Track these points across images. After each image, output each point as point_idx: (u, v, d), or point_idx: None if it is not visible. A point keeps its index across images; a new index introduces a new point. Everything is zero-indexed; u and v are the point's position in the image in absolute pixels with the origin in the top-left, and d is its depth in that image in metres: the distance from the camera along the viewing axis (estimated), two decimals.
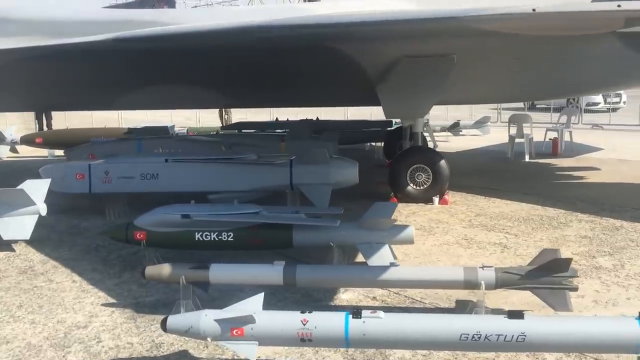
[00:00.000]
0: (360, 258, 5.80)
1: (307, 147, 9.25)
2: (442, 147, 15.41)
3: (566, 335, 3.57)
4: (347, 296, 5.31)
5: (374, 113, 19.99)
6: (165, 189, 8.27)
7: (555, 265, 4.48)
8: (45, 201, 7.09)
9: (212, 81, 10.46)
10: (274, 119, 17.76)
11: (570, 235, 7.05)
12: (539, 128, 15.67)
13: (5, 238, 6.83)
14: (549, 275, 4.49)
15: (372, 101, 10.74)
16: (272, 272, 4.81)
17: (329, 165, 8.10)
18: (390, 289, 5.31)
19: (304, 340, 3.73)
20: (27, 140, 14.33)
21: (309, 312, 3.79)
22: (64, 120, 20.10)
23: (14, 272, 6.16)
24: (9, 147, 14.97)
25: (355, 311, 3.73)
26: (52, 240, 7.36)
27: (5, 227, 6.78)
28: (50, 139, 14.42)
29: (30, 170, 10.98)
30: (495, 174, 11.67)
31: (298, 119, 15.68)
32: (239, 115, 20.70)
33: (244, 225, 5.82)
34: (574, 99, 23.99)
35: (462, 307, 4.90)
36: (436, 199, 8.98)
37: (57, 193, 7.96)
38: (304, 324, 3.71)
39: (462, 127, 17.30)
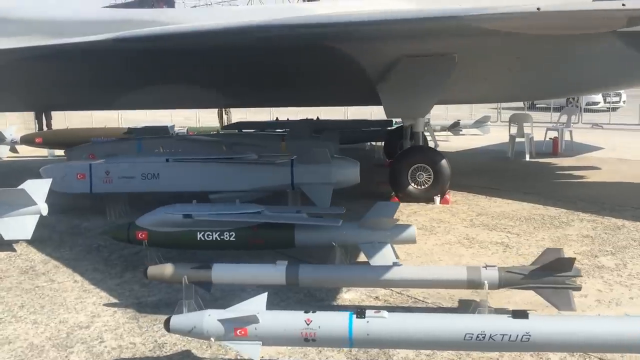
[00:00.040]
0: (362, 258, 5.80)
1: (308, 147, 9.26)
2: (442, 146, 15.41)
3: (571, 335, 3.56)
4: (349, 296, 5.30)
5: (373, 112, 20.04)
6: (166, 188, 8.26)
7: (559, 264, 4.48)
8: (46, 201, 7.07)
9: (212, 81, 10.46)
10: (274, 118, 17.77)
11: (572, 235, 7.04)
12: (539, 127, 15.67)
13: (6, 238, 6.81)
14: (552, 275, 4.49)
15: (372, 101, 10.75)
16: (275, 272, 4.80)
17: (330, 165, 8.09)
18: (393, 289, 5.30)
19: (308, 340, 3.72)
20: (27, 140, 14.32)
21: (312, 312, 3.78)
22: (64, 120, 20.06)
23: (16, 272, 6.15)
24: (8, 147, 14.94)
25: (359, 311, 3.72)
26: (53, 240, 7.35)
27: (6, 227, 6.77)
28: (50, 139, 14.41)
29: (30, 170, 10.97)
30: (496, 174, 11.67)
31: (298, 118, 15.69)
32: (238, 115, 20.69)
33: (245, 225, 5.81)
34: (573, 99, 23.99)
35: (465, 306, 4.91)
36: (437, 199, 8.98)
37: (57, 193, 7.95)
38: (308, 324, 3.70)
39: (462, 126, 17.28)
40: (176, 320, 3.90)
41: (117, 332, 4.65)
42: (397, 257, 5.60)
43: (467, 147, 15.98)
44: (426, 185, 9.07)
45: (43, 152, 15.53)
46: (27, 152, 15.29)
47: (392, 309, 4.92)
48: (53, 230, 7.71)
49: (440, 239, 7.05)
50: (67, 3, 10.48)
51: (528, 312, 3.63)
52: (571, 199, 8.97)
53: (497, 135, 17.40)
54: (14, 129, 15.41)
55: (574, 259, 4.50)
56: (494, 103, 21.94)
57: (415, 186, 9.09)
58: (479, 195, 9.40)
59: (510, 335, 3.53)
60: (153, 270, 4.91)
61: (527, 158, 13.39)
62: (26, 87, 11.03)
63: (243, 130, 14.13)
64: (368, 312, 3.71)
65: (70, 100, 12.19)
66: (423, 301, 5.16)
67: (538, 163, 13.10)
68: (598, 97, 25.66)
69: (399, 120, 13.65)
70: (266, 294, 4.02)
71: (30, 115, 19.58)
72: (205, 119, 22.96)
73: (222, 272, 4.85)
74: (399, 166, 9.25)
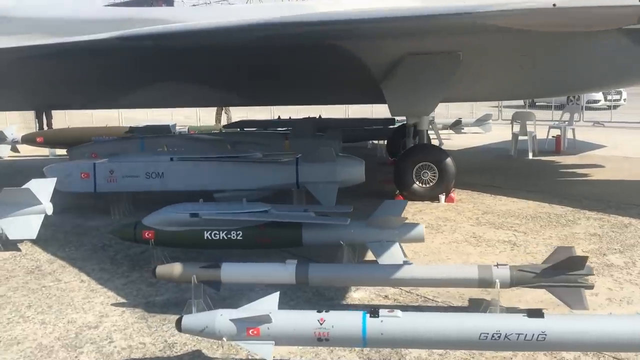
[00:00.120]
0: (369, 256, 5.78)
1: (313, 146, 9.24)
2: (444, 144, 15.34)
3: (586, 334, 3.53)
4: (358, 295, 5.27)
5: (374, 111, 20.03)
6: (171, 187, 8.23)
7: (571, 263, 4.45)
8: (50, 201, 7.04)
9: (215, 79, 10.43)
10: (276, 117, 17.74)
11: (580, 233, 7.02)
12: (540, 125, 15.63)
13: (11, 238, 6.78)
14: (564, 273, 4.46)
15: (375, 99, 10.74)
16: (285, 271, 4.76)
17: (335, 164, 8.07)
18: (403, 288, 5.27)
19: (321, 339, 3.69)
20: (28, 139, 14.27)
21: (325, 312, 3.75)
22: (64, 119, 20.02)
23: (22, 272, 6.11)
24: (10, 147, 14.88)
25: (373, 310, 3.69)
26: (58, 239, 7.31)
27: (11, 226, 6.74)
28: (52, 138, 14.36)
29: (32, 169, 10.93)
30: (499, 172, 11.65)
31: (300, 117, 15.66)
32: (238, 113, 20.66)
33: (253, 224, 5.77)
34: (574, 97, 23.97)
35: (476, 305, 4.89)
36: (442, 197, 8.95)
37: (61, 192, 7.91)
38: (321, 324, 3.68)
39: (463, 124, 17.25)
40: (188, 320, 3.87)
41: (126, 332, 4.62)
42: (405, 255, 5.58)
43: (469, 146, 15.95)
44: (431, 184, 9.04)
45: (44, 151, 15.49)
46: (28, 151, 15.24)
47: (402, 308, 4.84)
48: (57, 230, 7.67)
49: (447, 237, 7.03)
50: (68, 1, 10.44)
51: (543, 311, 3.60)
52: (576, 197, 8.95)
53: (498, 133, 17.39)
54: (14, 129, 15.35)
55: (587, 257, 4.47)
56: (498, 101, 21.90)
57: (420, 184, 9.07)
58: (484, 194, 9.38)
59: (526, 335, 3.50)
60: (162, 269, 4.88)
61: (530, 156, 13.37)
62: (28, 86, 10.99)
63: (245, 129, 14.11)
64: (382, 312, 3.67)
65: (72, 99, 12.16)
66: (433, 300, 5.14)
67: (541, 161, 13.09)
68: (599, 95, 25.67)
69: (399, 118, 13.62)
70: (278, 293, 3.99)
71: (30, 115, 19.54)
72: (206, 118, 22.94)
73: (232, 272, 4.81)
74: (403, 164, 9.23)
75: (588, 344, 3.62)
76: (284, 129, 13.53)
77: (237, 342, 3.78)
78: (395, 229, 5.58)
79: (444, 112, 21.49)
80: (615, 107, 24.04)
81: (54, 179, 7.31)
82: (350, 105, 21.86)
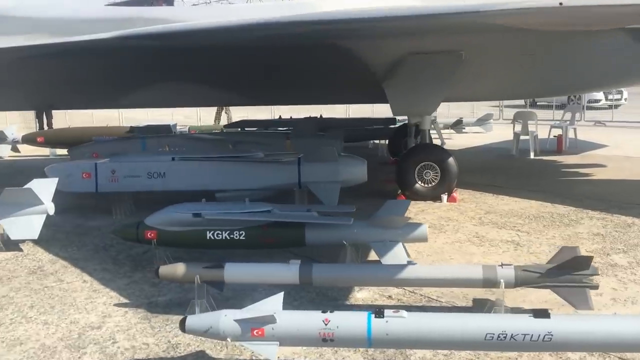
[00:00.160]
0: (372, 256, 5.76)
1: (315, 145, 9.22)
2: (445, 144, 15.34)
3: (593, 334, 3.52)
4: (362, 295, 5.26)
5: (375, 110, 20.01)
6: (173, 187, 8.22)
7: (576, 263, 4.43)
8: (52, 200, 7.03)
9: (217, 79, 10.42)
10: (277, 116, 17.73)
11: (583, 233, 7.00)
12: (542, 125, 15.61)
13: (13, 238, 6.76)
14: (569, 274, 4.44)
15: (376, 99, 10.72)
16: (288, 271, 4.75)
17: (337, 163, 8.05)
18: (406, 288, 5.25)
19: (326, 340, 3.67)
20: (29, 139, 14.25)
21: (330, 312, 3.73)
22: (64, 119, 20.00)
23: (24, 272, 6.10)
24: (10, 147, 14.86)
25: (378, 311, 3.68)
26: (59, 239, 7.29)
27: (13, 226, 6.72)
28: (52, 138, 14.33)
29: (32, 169, 10.90)
30: (501, 171, 11.63)
31: (300, 117, 15.63)
32: (238, 113, 20.62)
33: (255, 224, 5.75)
34: (574, 96, 23.94)
35: (480, 305, 4.88)
36: (444, 197, 8.94)
37: (61, 192, 7.87)
38: (326, 324, 3.66)
39: (464, 124, 17.24)
40: (192, 320, 3.85)
41: (129, 332, 4.60)
42: (408, 255, 5.56)
43: (470, 145, 15.93)
44: (433, 184, 9.03)
45: (45, 151, 15.46)
46: (28, 151, 15.22)
47: (406, 308, 4.83)
48: (59, 230, 7.65)
49: (450, 237, 7.01)
50: (69, 1, 10.42)
51: (549, 311, 3.58)
52: (578, 197, 8.93)
53: (499, 133, 17.37)
54: (15, 128, 15.34)
55: (592, 257, 4.45)
56: (499, 100, 21.87)
57: (422, 184, 9.05)
58: (486, 193, 9.36)
59: (532, 335, 3.48)
60: (165, 269, 4.86)
61: (532, 156, 13.36)
62: (29, 86, 10.98)
63: (246, 129, 14.09)
64: (387, 312, 3.65)
65: (73, 99, 12.17)
66: (437, 300, 5.12)
67: (543, 161, 13.07)
68: (599, 95, 25.64)
69: (400, 118, 13.61)
70: (282, 293, 3.97)
71: (30, 114, 19.51)
72: (206, 117, 22.92)
73: (235, 272, 4.80)
74: (405, 164, 9.21)
75: (594, 345, 3.60)
76: (284, 128, 13.52)
77: (242, 343, 3.77)
78: (399, 228, 5.54)
79: (445, 111, 21.49)
80: (616, 106, 24.02)
81: (56, 179, 7.29)
82: (350, 105, 21.85)
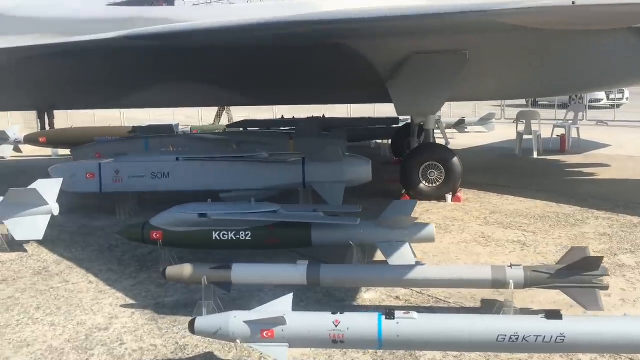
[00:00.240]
0: (378, 257, 5.74)
1: (319, 145, 9.20)
2: (450, 144, 15.30)
3: (605, 335, 3.50)
4: (369, 296, 5.23)
5: (376, 110, 19.98)
6: (177, 187, 8.20)
7: (586, 263, 4.41)
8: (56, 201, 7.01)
9: (221, 79, 10.40)
10: (279, 116, 17.69)
11: (589, 233, 6.98)
12: (544, 124, 15.57)
13: (17, 238, 6.74)
14: (579, 274, 4.42)
15: (380, 98, 10.69)
16: (296, 272, 4.73)
17: (342, 163, 8.04)
18: (414, 289, 5.23)
19: (336, 342, 3.65)
20: (31, 139, 14.24)
21: (340, 313, 3.71)
22: (66, 119, 19.97)
23: (29, 273, 6.07)
24: (12, 147, 14.85)
25: (388, 312, 3.65)
26: (64, 240, 7.27)
27: (17, 227, 6.70)
28: (54, 139, 14.32)
29: (35, 169, 10.89)
30: (505, 171, 11.61)
31: (302, 116, 15.61)
32: (240, 113, 20.59)
33: (261, 224, 5.73)
34: (576, 95, 23.93)
35: (489, 306, 4.85)
36: (449, 197, 8.91)
37: (64, 192, 7.84)
38: (336, 325, 3.64)
39: (467, 124, 17.22)
40: (201, 322, 3.84)
41: (136, 333, 4.57)
42: (414, 256, 5.54)
43: (473, 145, 15.90)
44: (438, 183, 9.00)
45: (47, 151, 15.43)
46: (30, 151, 15.20)
47: (414, 309, 4.83)
48: (63, 231, 7.63)
49: (456, 237, 6.98)
50: (71, 1, 10.39)
51: (561, 312, 3.56)
52: (583, 197, 8.91)
53: (501, 132, 17.34)
54: (17, 129, 15.33)
55: (602, 257, 4.43)
56: (503, 100, 21.80)
57: (427, 184, 9.03)
58: (490, 193, 9.34)
59: (545, 337, 3.46)
60: (172, 270, 4.84)
61: (535, 155, 13.32)
62: (31, 86, 10.95)
63: (248, 129, 14.07)
64: (397, 313, 3.64)
65: (76, 99, 12.12)
66: (445, 301, 5.10)
67: (546, 160, 13.04)
68: (601, 94, 25.59)
69: (403, 117, 13.57)
70: (292, 294, 3.95)
71: (32, 115, 19.50)
72: (208, 117, 22.86)
73: (242, 273, 4.78)
74: (410, 164, 9.18)
75: (606, 346, 3.58)
76: (287, 128, 13.50)
77: (251, 344, 3.75)
78: (406, 229, 5.54)
79: (447, 111, 21.45)
80: (617, 106, 23.98)
81: (60, 179, 7.28)
82: (351, 105, 21.80)
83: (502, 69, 9.29)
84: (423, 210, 8.34)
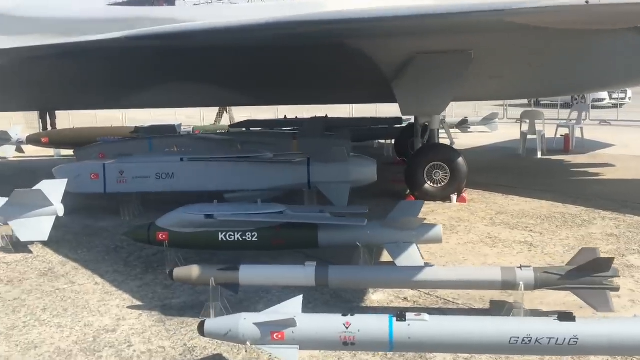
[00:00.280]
0: (385, 258, 5.72)
1: (323, 145, 9.18)
2: (455, 144, 15.24)
3: (618, 337, 3.47)
4: (377, 297, 5.21)
5: (379, 110, 19.95)
6: (181, 188, 8.18)
7: (597, 265, 4.38)
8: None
9: (224, 79, 10.36)
10: (281, 116, 17.66)
11: (597, 233, 6.95)
12: (547, 124, 15.52)
13: (22, 239, 6.72)
14: (589, 275, 4.39)
15: (384, 98, 10.65)
16: (304, 273, 4.70)
17: (347, 163, 8.01)
18: (423, 290, 5.20)
19: (347, 344, 3.62)
20: (33, 139, 14.24)
21: (351, 315, 3.68)
22: (68, 119, 19.95)
23: (34, 275, 6.05)
24: (14, 147, 14.82)
25: (400, 314, 3.63)
26: (69, 241, 7.25)
27: (22, 228, 6.68)
28: (57, 139, 14.32)
29: (38, 170, 10.89)
30: (509, 171, 11.58)
31: (304, 116, 15.57)
32: (242, 113, 20.55)
33: (268, 225, 5.71)
34: (579, 95, 23.87)
35: (498, 307, 4.82)
36: (454, 197, 8.88)
37: (68, 193, 7.81)
38: (347, 327, 3.61)
39: (470, 124, 17.18)
40: (211, 324, 3.81)
41: (144, 335, 4.55)
42: (422, 257, 5.51)
43: (476, 145, 15.86)
44: (443, 184, 8.97)
45: (49, 152, 15.41)
46: (32, 151, 15.18)
47: (423, 310, 4.80)
48: (68, 231, 7.61)
49: (463, 238, 6.96)
50: (72, 1, 10.37)
51: (574, 314, 3.53)
52: (589, 197, 8.87)
53: (504, 132, 17.31)
54: (19, 129, 15.30)
55: (613, 258, 4.41)
56: (508, 100, 21.74)
57: (432, 184, 9.00)
58: (495, 194, 9.31)
59: (558, 339, 3.43)
60: (179, 272, 4.82)
61: (539, 155, 13.29)
62: (33, 86, 10.92)
63: (251, 129, 14.04)
64: (409, 315, 3.61)
65: (78, 100, 12.09)
66: (453, 302, 5.07)
67: (550, 160, 13.02)
68: (603, 94, 25.56)
69: (405, 117, 13.53)
70: (301, 296, 3.93)
71: (34, 115, 19.48)
72: (209, 117, 22.83)
73: (250, 274, 4.75)
74: (415, 164, 9.15)
75: (619, 348, 3.55)
76: (289, 128, 13.47)
77: (261, 347, 3.72)
78: (413, 230, 5.51)
79: (449, 111, 21.40)
80: (620, 105, 23.94)
81: (65, 180, 7.25)
82: (353, 105, 21.77)
83: (507, 68, 9.26)
84: (428, 211, 8.30)
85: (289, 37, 7.96)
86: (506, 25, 5.75)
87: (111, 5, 10.57)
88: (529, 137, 13.76)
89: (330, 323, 3.66)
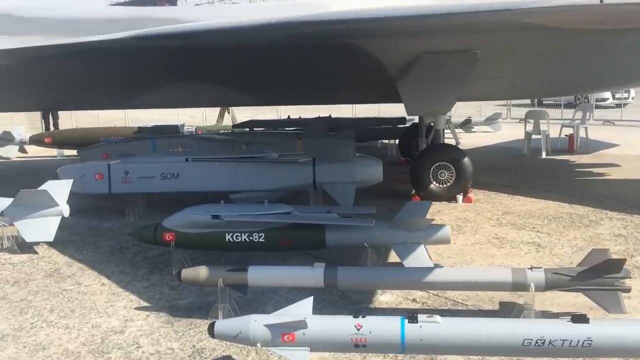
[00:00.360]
0: (392, 259, 5.69)
1: (327, 146, 9.15)
2: (460, 144, 15.18)
3: (632, 339, 3.44)
4: (385, 298, 5.18)
5: (381, 110, 19.92)
6: (186, 188, 8.16)
7: (608, 266, 4.35)
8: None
9: (229, 79, 10.33)
10: (283, 116, 17.64)
11: (604, 234, 6.91)
12: (551, 124, 15.48)
13: (28, 240, 6.69)
14: (601, 277, 4.36)
15: (388, 98, 10.63)
16: (313, 274, 4.68)
17: (353, 164, 7.99)
18: (431, 291, 5.17)
19: (358, 346, 3.60)
20: (36, 140, 14.23)
21: (362, 317, 3.66)
22: (70, 119, 19.92)
23: (40, 275, 6.02)
24: (17, 147, 14.82)
25: (411, 315, 3.60)
26: (74, 241, 7.22)
27: (28, 228, 6.66)
28: (60, 139, 14.31)
29: (41, 170, 10.87)
30: (514, 171, 11.54)
31: (306, 117, 15.54)
32: (244, 113, 20.51)
33: (275, 226, 5.68)
34: (581, 95, 23.83)
35: (507, 309, 4.80)
36: (460, 197, 8.85)
37: (72, 193, 7.78)
38: (358, 329, 3.59)
39: (473, 124, 17.15)
40: (221, 325, 3.79)
41: (153, 337, 4.52)
42: (430, 258, 5.48)
43: (480, 145, 15.82)
44: (448, 184, 8.93)
45: (52, 152, 15.40)
46: (35, 152, 15.17)
47: (433, 311, 4.76)
48: (73, 232, 7.58)
49: (469, 238, 6.93)
50: (74, 1, 10.35)
51: (588, 316, 3.51)
52: (596, 197, 8.84)
53: (508, 132, 17.26)
54: (22, 129, 15.30)
55: (624, 259, 4.38)
56: (513, 99, 21.66)
57: (437, 184, 8.96)
58: (501, 194, 9.28)
59: (571, 341, 3.41)
60: (187, 273, 4.79)
61: (544, 155, 13.25)
62: (36, 86, 10.90)
63: (254, 129, 14.01)
64: (420, 317, 3.58)
65: (82, 100, 12.07)
66: (462, 303, 5.04)
67: (555, 160, 12.97)
68: (607, 94, 25.51)
69: (409, 117, 13.50)
70: (312, 297, 3.90)
71: (36, 115, 19.45)
72: (212, 117, 22.80)
73: (259, 275, 4.73)
74: (420, 164, 9.12)
75: (634, 350, 3.51)
76: (293, 128, 13.43)
77: (272, 348, 3.70)
78: (421, 230, 5.48)
79: (452, 111, 21.33)
80: (623, 105, 23.89)
81: (71, 181, 7.22)
82: (355, 105, 21.72)
83: (512, 68, 9.22)
84: (434, 211, 8.25)
85: (294, 37, 7.93)
86: (517, 25, 5.72)
87: (113, 5, 10.56)
88: (533, 137, 13.72)
89: (341, 325, 3.64)
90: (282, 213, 5.77)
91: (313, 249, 5.90)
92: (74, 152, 12.72)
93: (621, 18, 5.47)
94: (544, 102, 25.68)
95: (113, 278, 5.87)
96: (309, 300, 3.87)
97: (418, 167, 9.11)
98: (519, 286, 4.48)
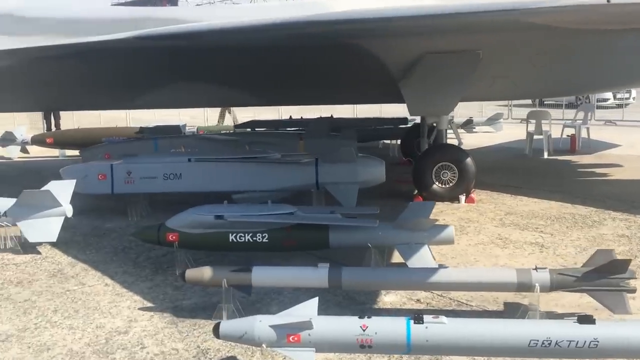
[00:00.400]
0: (396, 259, 5.68)
1: (329, 146, 9.14)
2: (463, 144, 15.16)
3: (639, 340, 3.44)
4: (389, 298, 5.17)
5: (382, 110, 19.90)
6: (189, 189, 8.15)
7: (613, 266, 4.35)
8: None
9: (231, 79, 10.33)
10: (284, 116, 17.61)
11: (608, 234, 6.90)
12: (552, 124, 15.46)
13: (31, 240, 6.69)
14: (606, 277, 4.36)
15: (390, 98, 10.63)
16: (317, 275, 4.68)
17: (355, 164, 7.98)
18: (435, 292, 5.17)
19: (364, 346, 3.59)
20: (38, 140, 14.21)
21: (367, 318, 3.66)
22: (72, 119, 19.92)
23: (44, 276, 6.02)
24: (19, 148, 14.81)
25: (417, 316, 3.60)
26: (77, 242, 7.22)
27: (31, 229, 6.65)
28: (61, 139, 14.28)
29: (43, 170, 10.87)
30: (516, 171, 11.53)
31: (307, 117, 15.51)
32: (246, 113, 20.49)
33: (278, 226, 5.67)
34: (583, 95, 23.80)
35: (512, 309, 4.79)
36: (462, 198, 8.84)
37: (75, 193, 7.77)
38: (364, 330, 3.58)
39: (474, 124, 17.13)
40: (226, 326, 3.78)
41: (157, 337, 4.52)
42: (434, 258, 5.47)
43: (481, 145, 15.79)
44: (451, 184, 8.93)
45: (54, 152, 15.37)
46: (37, 152, 15.16)
47: (437, 312, 4.76)
48: (76, 232, 7.58)
49: (473, 239, 6.92)
50: (76, 1, 10.35)
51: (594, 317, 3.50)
52: (598, 197, 8.83)
53: (509, 132, 17.24)
54: (24, 129, 15.29)
55: (630, 260, 4.38)
56: (516, 100, 21.63)
57: (440, 185, 8.96)
58: (503, 194, 9.27)
59: (578, 342, 3.41)
60: (191, 273, 4.79)
61: (546, 155, 13.24)
62: (38, 86, 10.90)
63: (256, 129, 14.00)
64: (426, 318, 3.58)
65: (84, 100, 12.07)
66: (467, 304, 5.03)
67: (557, 160, 12.96)
68: (608, 94, 25.48)
69: (410, 117, 13.49)
70: (317, 298, 3.90)
71: (38, 115, 19.46)
72: (213, 118, 22.79)
73: (263, 275, 4.73)
74: (422, 164, 9.11)
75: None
76: (294, 128, 13.42)
77: (277, 349, 3.69)
78: (425, 231, 5.48)
79: (454, 111, 21.31)
80: (625, 105, 23.86)
81: (74, 181, 7.23)
82: (357, 105, 21.68)
83: (515, 68, 9.21)
84: (437, 212, 8.20)
85: (297, 37, 7.93)
86: (521, 25, 5.71)
87: (114, 5, 10.56)
88: (535, 137, 13.71)
89: (346, 325, 3.64)
90: (285, 213, 5.76)
91: (317, 249, 5.89)
92: (75, 152, 12.72)
93: (628, 18, 5.46)
94: (545, 103, 25.66)
95: (116, 278, 5.86)
96: (314, 301, 3.87)
97: (421, 168, 9.11)
98: (524, 287, 4.47)
